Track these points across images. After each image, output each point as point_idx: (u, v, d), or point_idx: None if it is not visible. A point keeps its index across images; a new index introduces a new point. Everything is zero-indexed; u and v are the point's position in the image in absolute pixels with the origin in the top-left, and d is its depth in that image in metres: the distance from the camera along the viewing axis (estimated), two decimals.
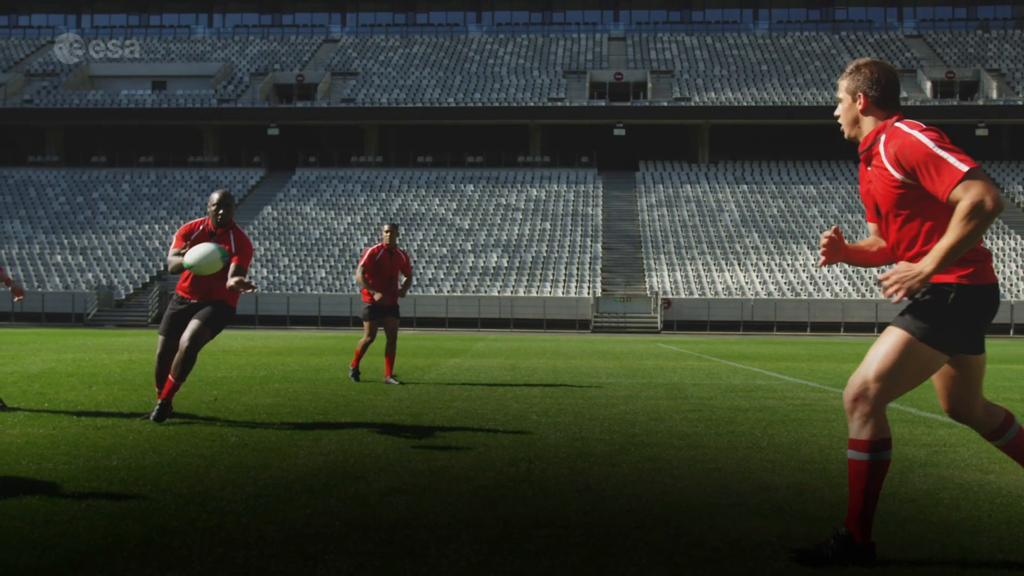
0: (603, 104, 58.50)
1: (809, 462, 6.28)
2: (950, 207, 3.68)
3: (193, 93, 60.75)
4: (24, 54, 67.89)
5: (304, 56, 66.52)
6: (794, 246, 46.90)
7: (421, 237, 48.05)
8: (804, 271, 44.44)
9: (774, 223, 49.39)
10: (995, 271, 4.05)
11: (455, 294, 42.35)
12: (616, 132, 56.43)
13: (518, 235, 48.48)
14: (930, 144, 3.73)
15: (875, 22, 69.63)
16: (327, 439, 7.00)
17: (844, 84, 4.08)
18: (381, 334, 13.06)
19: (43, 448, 6.39)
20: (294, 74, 62.63)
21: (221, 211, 8.15)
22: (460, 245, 47.30)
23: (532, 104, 58.19)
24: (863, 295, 42.14)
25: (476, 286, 43.44)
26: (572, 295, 42.79)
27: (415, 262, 44.97)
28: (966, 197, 3.61)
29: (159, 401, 7.90)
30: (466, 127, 59.34)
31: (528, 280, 44.04)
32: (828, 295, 42.25)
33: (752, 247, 46.88)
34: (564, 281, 43.80)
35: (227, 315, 8.32)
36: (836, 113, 4.12)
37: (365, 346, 12.20)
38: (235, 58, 66.18)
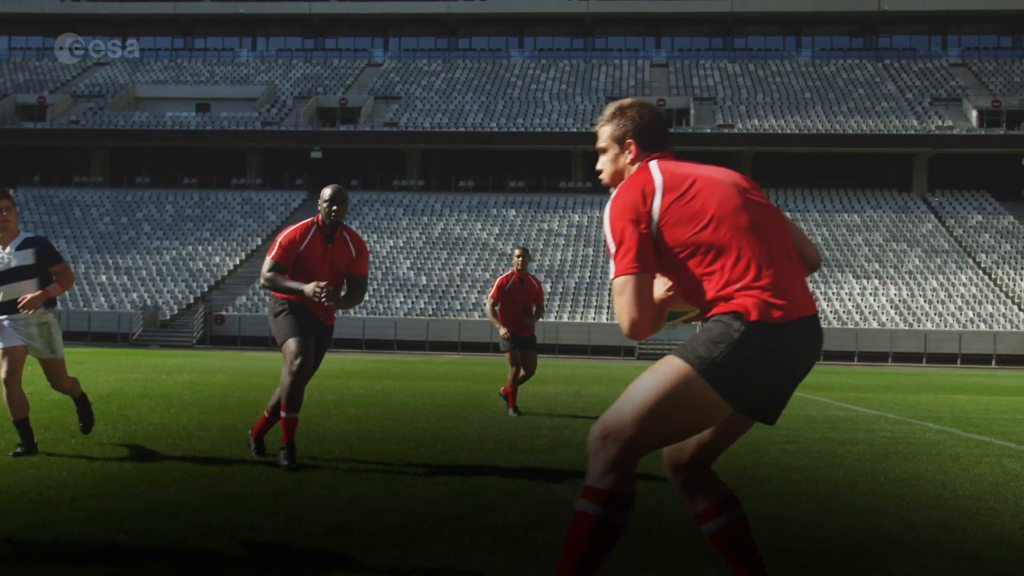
0: None
1: (938, 498, 6.08)
2: (697, 255, 3.14)
3: (237, 115, 61.18)
4: (71, 76, 68.65)
5: (347, 80, 66.88)
6: (839, 275, 46.47)
7: (464, 262, 48.00)
8: (850, 300, 43.99)
9: (819, 251, 48.93)
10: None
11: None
12: None
13: (561, 260, 48.35)
14: (607, 230, 3.16)
15: (919, 50, 69.19)
16: (438, 467, 6.87)
17: (608, 131, 3.42)
18: None
19: (158, 474, 6.30)
20: (337, 98, 62.94)
21: (335, 208, 6.98)
22: (503, 270, 47.19)
23: (574, 130, 58.14)
24: (910, 325, 41.65)
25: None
26: (616, 321, 42.51)
27: (458, 287, 44.92)
28: (615, 301, 3.14)
29: (284, 444, 6.77)
30: (508, 152, 59.36)
31: (572, 306, 43.86)
32: (875, 324, 41.79)
33: None
34: (608, 307, 43.59)
35: None
36: (598, 167, 3.48)
37: (514, 379, 11.34)
38: (278, 81, 66.62)
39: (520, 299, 11.34)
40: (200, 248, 50.33)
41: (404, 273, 46.43)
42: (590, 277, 46.45)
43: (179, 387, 14.51)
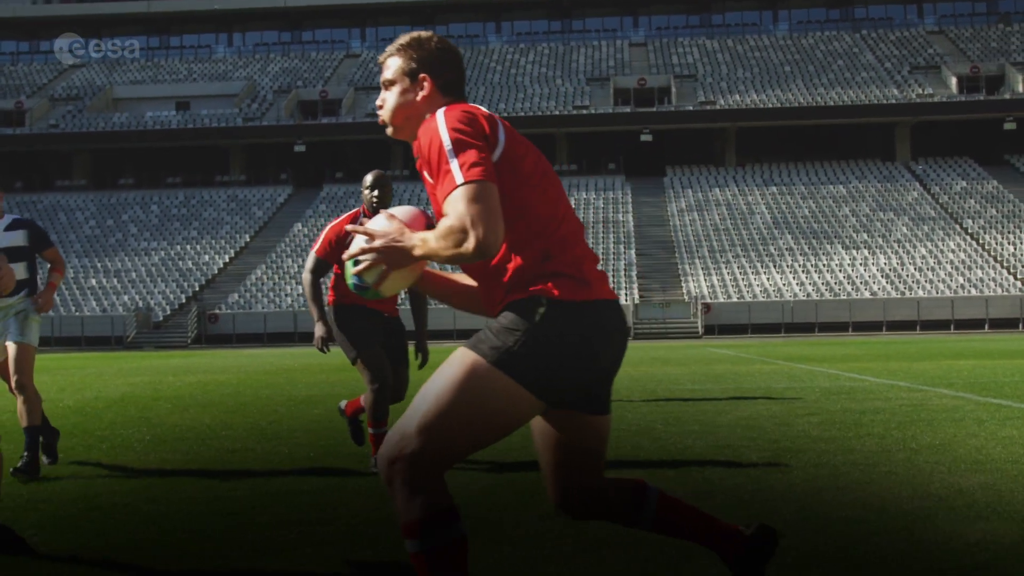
0: (628, 110, 58.44)
1: (977, 463, 6.13)
2: (521, 219, 2.75)
3: (217, 112, 60.89)
4: (47, 79, 68.22)
5: (326, 72, 66.65)
6: (828, 246, 46.65)
7: None
8: (840, 271, 44.18)
9: (806, 224, 49.16)
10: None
11: None
12: (643, 138, 56.34)
13: None
14: (445, 138, 2.68)
15: (895, 19, 69.37)
16: (477, 460, 6.88)
17: (397, 63, 2.93)
18: None
19: (201, 474, 6.31)
20: (317, 90, 62.73)
21: (377, 192, 6.43)
22: None
23: (557, 112, 58.14)
24: (902, 293, 41.87)
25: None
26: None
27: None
28: (449, 216, 2.61)
29: (375, 455, 6.06)
30: None
31: None
32: (867, 294, 41.99)
33: (786, 248, 46.66)
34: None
35: None
36: (379, 102, 3.00)
37: None
38: (257, 76, 66.35)
39: None
40: (188, 247, 50.16)
41: None
42: None
43: (190, 388, 14.50)
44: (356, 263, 2.76)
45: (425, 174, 2.78)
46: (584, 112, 58.26)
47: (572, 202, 52.88)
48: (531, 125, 57.79)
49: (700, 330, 40.67)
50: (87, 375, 19.03)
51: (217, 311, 43.21)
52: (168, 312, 44.52)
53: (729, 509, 4.79)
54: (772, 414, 9.16)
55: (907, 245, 46.35)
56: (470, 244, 2.56)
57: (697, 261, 46.02)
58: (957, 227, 48.30)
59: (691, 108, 58.25)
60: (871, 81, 59.19)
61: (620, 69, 64.64)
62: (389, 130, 2.97)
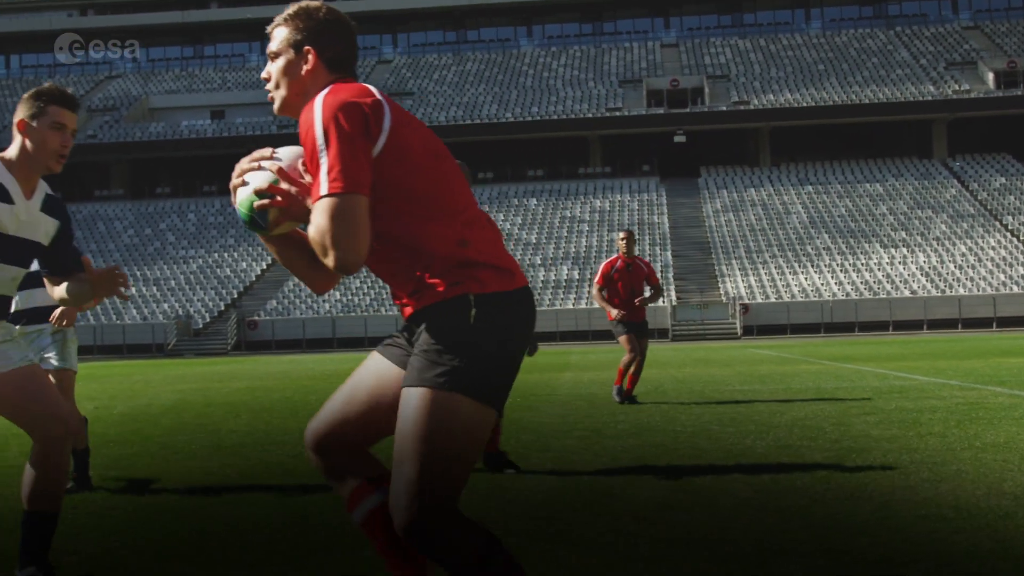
0: (662, 112, 58.32)
1: None
2: (419, 205, 2.61)
3: (252, 120, 61.33)
4: (85, 90, 68.92)
5: (359, 78, 66.79)
6: (866, 245, 46.33)
7: None
8: (879, 270, 43.85)
9: (843, 223, 48.84)
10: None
11: None
12: (677, 139, 56.22)
13: (586, 247, 48.34)
14: (319, 131, 2.53)
15: (930, 15, 68.78)
16: (538, 459, 6.91)
17: (283, 33, 2.79)
18: None
19: (282, 479, 6.37)
20: None
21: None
22: (529, 259, 47.22)
23: (590, 115, 58.10)
24: (943, 291, 41.49)
25: (550, 300, 43.30)
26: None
27: None
28: (313, 226, 2.52)
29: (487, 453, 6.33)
30: (525, 141, 59.34)
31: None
32: (907, 293, 41.65)
33: (824, 248, 46.38)
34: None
35: None
36: (264, 75, 2.83)
37: (628, 364, 10.86)
38: None
39: (629, 283, 10.85)
40: (226, 255, 50.51)
41: None
42: None
43: (239, 394, 14.62)
44: (260, 197, 2.66)
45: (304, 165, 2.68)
46: (617, 114, 58.18)
47: (606, 204, 52.95)
48: (564, 128, 57.86)
49: (739, 331, 40.50)
50: (134, 382, 19.22)
51: (256, 318, 43.50)
52: (208, 319, 44.87)
53: (802, 510, 4.79)
54: (827, 414, 9.12)
55: (946, 243, 45.95)
56: (329, 261, 2.50)
57: (734, 262, 45.83)
58: (997, 224, 47.82)
59: (724, 108, 58.05)
60: (906, 78, 58.75)
61: (652, 71, 64.51)
62: (276, 106, 2.82)
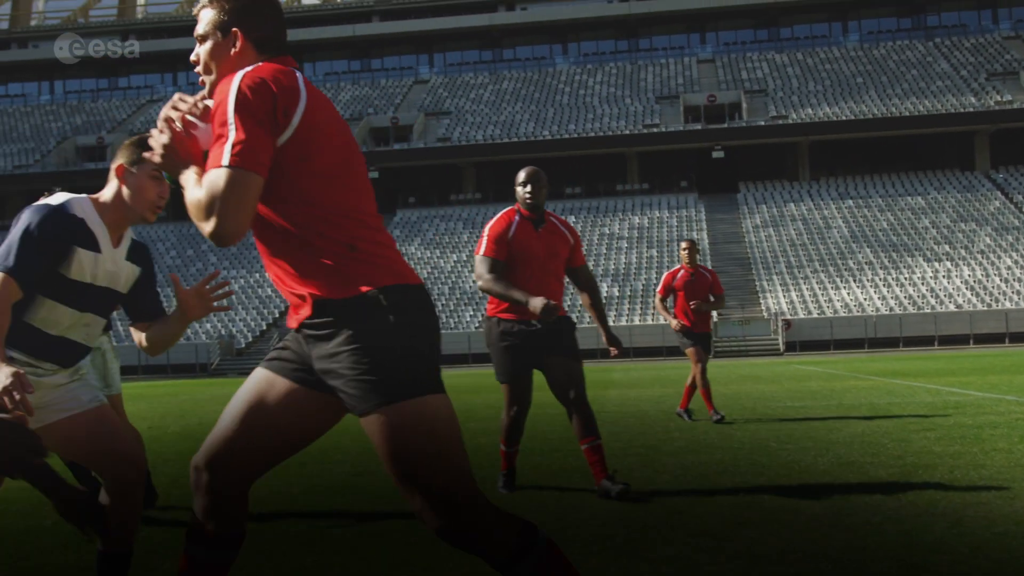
0: (699, 127, 58.20)
1: None
2: (310, 208, 2.60)
3: None
4: (126, 114, 69.83)
5: (396, 99, 67.36)
6: (909, 259, 45.92)
7: None
8: (923, 284, 43.44)
9: (885, 237, 48.45)
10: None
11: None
12: (715, 155, 56.08)
13: (626, 263, 48.26)
14: (231, 105, 2.52)
15: (969, 26, 68.27)
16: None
17: (210, 15, 2.77)
18: None
19: (367, 492, 6.38)
20: (388, 117, 63.42)
21: (530, 188, 6.14)
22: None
23: (627, 132, 58.10)
24: (989, 305, 41.02)
25: (591, 318, 43.13)
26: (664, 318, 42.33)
27: None
28: (203, 190, 2.52)
29: (504, 471, 6.35)
30: (562, 158, 59.41)
31: (641, 308, 43.75)
32: (952, 307, 41.21)
33: (866, 262, 46.01)
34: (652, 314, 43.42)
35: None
36: (193, 57, 2.81)
37: (703, 377, 10.68)
38: None
39: (692, 294, 10.68)
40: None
41: (471, 287, 46.58)
42: (656, 278, 46.31)
43: None
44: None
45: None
46: (654, 130, 58.14)
47: (645, 221, 52.86)
48: (601, 145, 57.89)
49: (781, 347, 40.23)
50: (182, 401, 19.37)
51: None
52: (250, 339, 45.19)
53: (874, 527, 4.74)
54: (885, 430, 9.03)
55: (991, 256, 45.45)
56: (209, 226, 2.50)
57: (775, 277, 45.58)
58: None
59: (763, 123, 57.85)
60: (947, 90, 58.31)
61: (689, 86, 64.45)
62: (207, 89, 2.80)
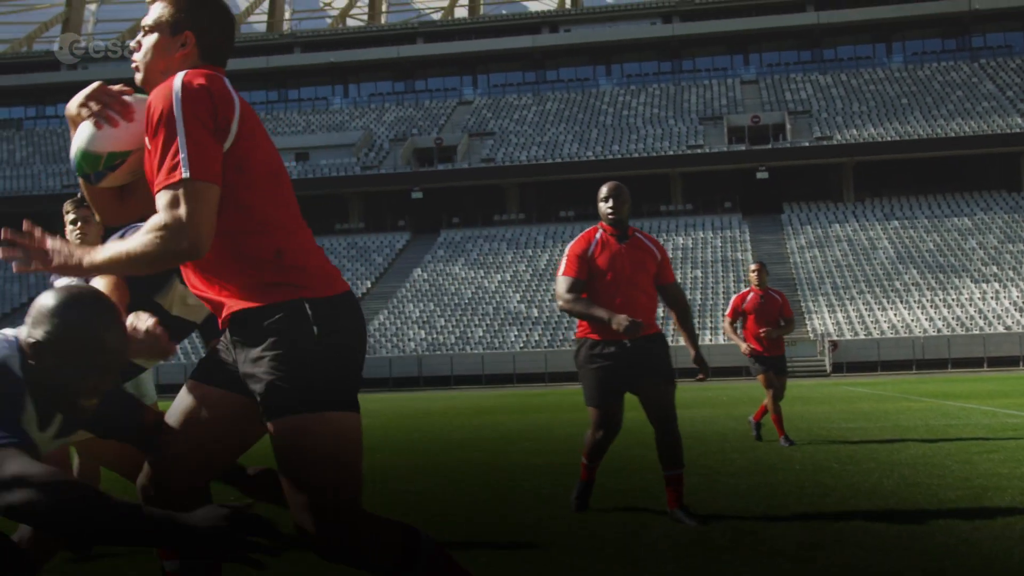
0: (743, 148, 58.08)
1: None
2: (243, 214, 2.61)
3: (336, 162, 62.36)
4: None
5: (440, 119, 67.77)
6: (956, 280, 45.48)
7: None
8: (971, 305, 43.00)
9: (931, 258, 48.04)
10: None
11: None
12: (759, 176, 55.91)
13: None
14: (179, 116, 2.49)
15: (1015, 47, 67.70)
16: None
17: (163, 9, 2.72)
18: None
19: (456, 515, 6.48)
20: (432, 138, 63.81)
21: (612, 203, 6.08)
22: None
23: (671, 153, 58.07)
24: None
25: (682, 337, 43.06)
26: (728, 341, 42.18)
27: (568, 318, 44.85)
28: (164, 214, 2.46)
29: (583, 481, 6.26)
30: (605, 179, 58.99)
31: None
32: (1001, 328, 40.76)
33: (912, 283, 45.63)
34: (719, 328, 43.31)
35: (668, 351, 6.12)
36: (133, 44, 2.76)
37: (774, 403, 10.55)
38: (373, 126, 67.79)
39: (763, 315, 10.51)
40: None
41: (515, 307, 46.69)
42: (701, 299, 46.17)
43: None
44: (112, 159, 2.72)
45: (146, 139, 2.61)
46: (698, 151, 58.08)
47: (689, 241, 52.74)
48: (645, 166, 57.90)
49: (828, 368, 39.97)
50: None
51: None
52: None
53: (950, 549, 4.75)
54: (948, 452, 9.00)
55: None
56: (184, 243, 2.43)
57: (820, 298, 45.30)
58: None
59: (807, 144, 57.63)
60: (993, 111, 57.84)
61: (733, 107, 64.36)
62: (139, 76, 2.76)
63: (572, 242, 6.13)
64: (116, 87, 2.77)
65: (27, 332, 2.45)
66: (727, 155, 57.90)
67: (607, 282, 5.93)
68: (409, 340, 44.75)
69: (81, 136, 2.74)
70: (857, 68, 67.80)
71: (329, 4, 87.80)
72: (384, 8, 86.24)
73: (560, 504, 6.61)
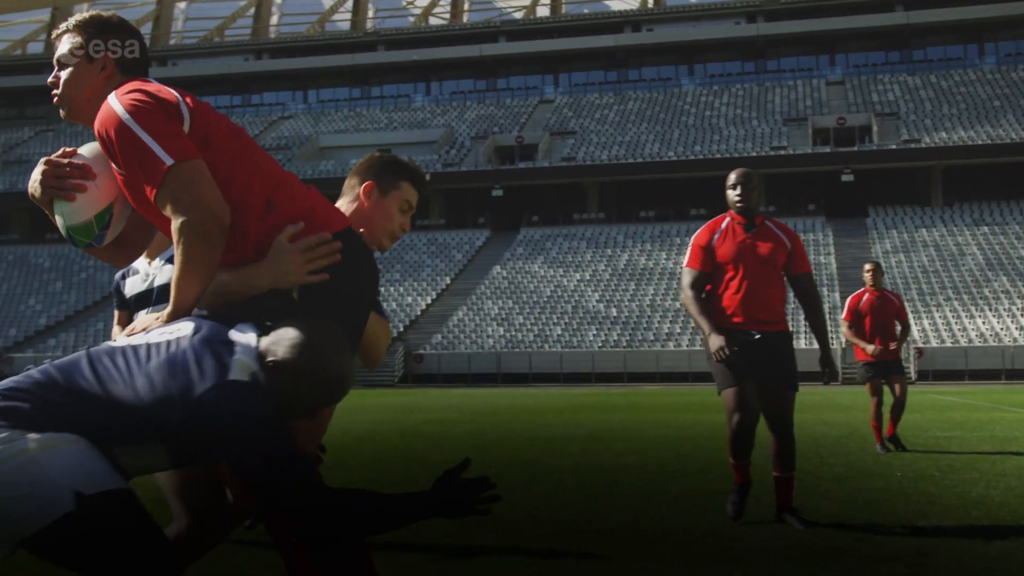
0: (828, 150, 57.25)
1: None
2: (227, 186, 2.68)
3: (418, 159, 62.67)
4: (259, 130, 71.80)
5: (521, 118, 67.86)
6: None
7: (652, 292, 47.86)
8: None
9: (1023, 265, 46.87)
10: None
11: (695, 348, 41.79)
12: (844, 178, 55.08)
13: None
14: (127, 118, 2.58)
15: None
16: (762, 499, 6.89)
17: (75, 40, 2.79)
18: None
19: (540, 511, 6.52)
20: (513, 136, 63.93)
21: (740, 190, 5.92)
22: None
23: (754, 154, 57.43)
24: None
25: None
26: (815, 346, 41.53)
27: (649, 318, 44.76)
28: (174, 211, 2.58)
29: (739, 483, 5.87)
30: (687, 180, 59.00)
31: None
32: None
33: (1002, 291, 44.56)
34: (805, 332, 42.63)
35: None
36: (51, 79, 2.83)
37: (876, 412, 10.42)
38: (455, 123, 68.11)
39: (880, 317, 10.23)
40: (392, 289, 51.69)
41: (594, 306, 46.60)
42: None
43: (429, 426, 14.93)
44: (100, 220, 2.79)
45: (114, 165, 2.69)
46: (782, 153, 57.39)
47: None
48: (727, 167, 56.82)
49: (913, 375, 39.19)
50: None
51: (422, 351, 44.32)
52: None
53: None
54: (1007, 469, 8.77)
55: None
56: (208, 224, 2.56)
57: (906, 304, 44.39)
58: None
59: (894, 147, 56.59)
60: None
61: (818, 108, 63.47)
62: (63, 112, 2.82)
63: (698, 231, 6.03)
64: (58, 153, 2.82)
65: (266, 345, 2.54)
66: (811, 157, 57.10)
67: (731, 273, 5.80)
68: (488, 337, 44.89)
69: (62, 216, 2.79)
70: (947, 69, 66.40)
71: (412, 3, 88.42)
72: (466, 7, 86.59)
73: (657, 504, 6.60)
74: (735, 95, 66.88)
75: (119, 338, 2.65)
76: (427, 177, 3.57)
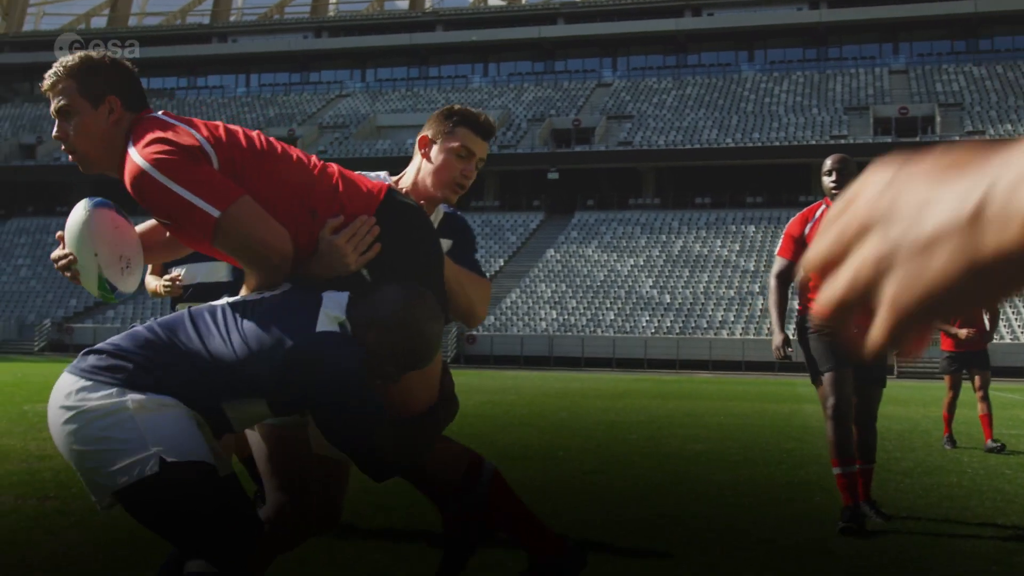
0: (889, 140, 56.50)
1: None
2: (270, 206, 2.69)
3: None
4: (316, 108, 72.25)
5: (578, 101, 67.65)
6: None
7: (707, 279, 47.64)
8: None
9: None
10: None
11: (749, 337, 41.59)
12: None
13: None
14: (158, 176, 2.52)
15: None
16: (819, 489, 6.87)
17: (73, 87, 2.68)
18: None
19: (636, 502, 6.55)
20: (570, 119, 63.75)
21: (835, 177, 5.77)
22: (747, 287, 46.54)
23: (812, 142, 56.84)
24: None
25: (769, 329, 42.44)
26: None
27: (703, 305, 44.54)
28: (238, 255, 2.66)
29: (848, 506, 5.35)
30: (744, 167, 58.56)
31: None
32: None
33: None
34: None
35: None
36: (57, 134, 2.73)
37: (951, 404, 10.23)
38: (511, 105, 68.06)
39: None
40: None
41: (647, 292, 46.47)
42: None
43: (489, 407, 15.00)
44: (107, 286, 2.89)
45: (158, 222, 2.76)
46: (842, 142, 56.71)
47: None
48: (787, 155, 56.84)
49: None
50: None
51: (475, 332, 44.48)
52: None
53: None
54: None
55: None
56: (271, 259, 2.60)
57: None
58: None
59: (958, 138, 55.72)
60: None
61: (880, 98, 62.64)
62: (82, 167, 2.74)
63: (792, 218, 5.93)
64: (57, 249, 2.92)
65: (366, 304, 2.60)
66: (872, 147, 56.35)
67: None
68: (540, 320, 44.94)
69: (84, 281, 2.92)
70: (1015, 60, 65.17)
71: None
72: None
73: (728, 494, 6.60)
74: (795, 82, 66.18)
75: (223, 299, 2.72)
76: (490, 120, 3.37)
